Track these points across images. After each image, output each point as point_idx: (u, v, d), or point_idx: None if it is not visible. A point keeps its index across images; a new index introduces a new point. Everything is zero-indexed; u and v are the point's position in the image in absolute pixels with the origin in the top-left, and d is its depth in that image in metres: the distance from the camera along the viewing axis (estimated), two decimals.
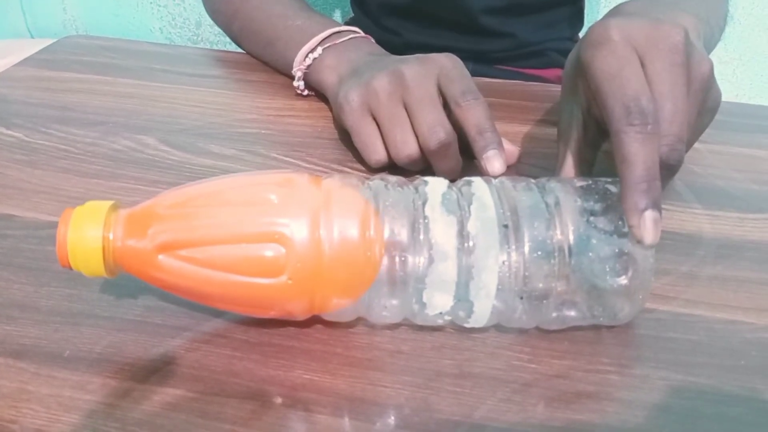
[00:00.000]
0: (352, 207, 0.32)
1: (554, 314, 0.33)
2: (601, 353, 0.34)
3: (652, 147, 0.32)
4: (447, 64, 0.45)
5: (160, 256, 0.31)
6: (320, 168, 0.48)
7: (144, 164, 0.48)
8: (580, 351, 0.34)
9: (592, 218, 0.32)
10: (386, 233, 0.31)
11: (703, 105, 0.38)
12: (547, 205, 0.33)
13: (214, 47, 1.21)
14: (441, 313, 0.33)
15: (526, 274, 0.31)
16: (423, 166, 0.46)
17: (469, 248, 0.31)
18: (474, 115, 0.43)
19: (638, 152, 0.31)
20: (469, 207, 0.32)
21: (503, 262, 0.31)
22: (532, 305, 0.32)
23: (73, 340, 0.34)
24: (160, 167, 0.48)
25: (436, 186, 0.34)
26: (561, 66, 0.76)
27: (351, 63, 0.52)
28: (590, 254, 0.31)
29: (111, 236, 0.31)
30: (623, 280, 0.32)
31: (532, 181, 0.35)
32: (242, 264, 0.31)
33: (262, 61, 0.64)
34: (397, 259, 0.31)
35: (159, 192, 0.33)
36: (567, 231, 0.32)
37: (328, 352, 0.34)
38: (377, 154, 0.46)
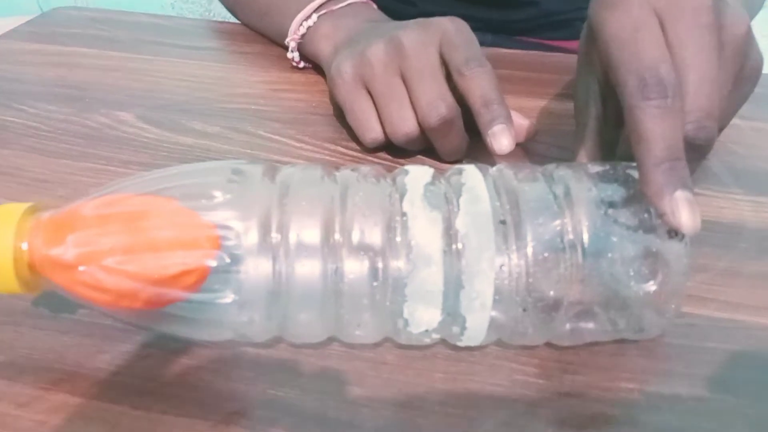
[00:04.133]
0: (312, 206, 0.27)
1: (568, 327, 0.28)
2: (623, 367, 0.30)
3: (674, 123, 0.28)
4: (450, 29, 0.41)
5: (81, 268, 0.26)
6: (311, 147, 0.45)
7: (117, 143, 0.45)
8: (597, 364, 0.30)
9: (611, 211, 0.28)
10: (355, 236, 0.27)
11: (740, 73, 0.33)
12: (555, 196, 0.28)
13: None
14: (427, 330, 0.28)
15: (530, 280, 0.27)
16: (423, 145, 0.42)
17: (458, 250, 0.27)
18: (479, 85, 0.38)
19: (656, 129, 0.27)
20: (457, 200, 0.28)
21: (501, 267, 0.27)
22: (539, 318, 0.28)
23: (10, 343, 0.30)
24: (134, 146, 0.44)
25: (418, 176, 0.29)
26: None
27: (348, 31, 0.48)
28: (609, 255, 0.27)
29: (25, 246, 0.27)
30: (651, 287, 0.27)
31: (539, 168, 0.30)
32: (178, 277, 0.26)
33: (258, 32, 0.60)
34: (370, 265, 0.27)
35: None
36: (580, 227, 0.27)
37: (300, 362, 0.30)
38: (372, 131, 0.42)
